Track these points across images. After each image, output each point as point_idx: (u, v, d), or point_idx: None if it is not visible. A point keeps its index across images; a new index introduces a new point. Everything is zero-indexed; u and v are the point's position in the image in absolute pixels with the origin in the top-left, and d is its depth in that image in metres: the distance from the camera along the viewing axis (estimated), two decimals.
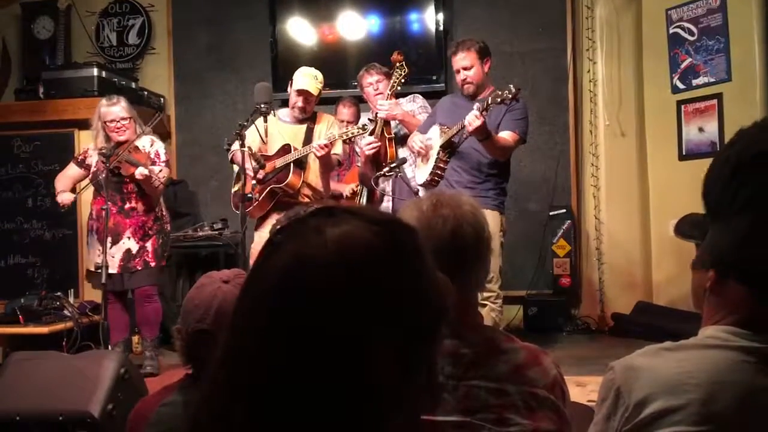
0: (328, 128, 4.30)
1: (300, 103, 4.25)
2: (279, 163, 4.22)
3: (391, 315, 0.70)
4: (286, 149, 4.23)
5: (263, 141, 4.21)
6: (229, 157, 4.46)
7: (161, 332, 4.39)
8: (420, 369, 0.73)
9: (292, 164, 4.17)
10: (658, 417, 1.08)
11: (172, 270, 5.15)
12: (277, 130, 4.30)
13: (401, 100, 4.43)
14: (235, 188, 4.46)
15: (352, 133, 4.12)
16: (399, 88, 4.27)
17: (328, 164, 4.23)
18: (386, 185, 4.37)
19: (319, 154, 4.04)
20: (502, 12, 5.58)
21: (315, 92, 4.24)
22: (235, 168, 4.34)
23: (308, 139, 4.24)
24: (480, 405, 1.31)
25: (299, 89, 4.22)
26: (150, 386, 3.22)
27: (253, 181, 4.20)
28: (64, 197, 4.37)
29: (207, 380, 0.73)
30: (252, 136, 4.14)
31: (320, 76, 4.28)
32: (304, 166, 4.24)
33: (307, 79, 4.23)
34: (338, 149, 4.27)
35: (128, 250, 4.23)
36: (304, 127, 4.31)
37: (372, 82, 4.41)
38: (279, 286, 0.70)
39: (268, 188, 4.19)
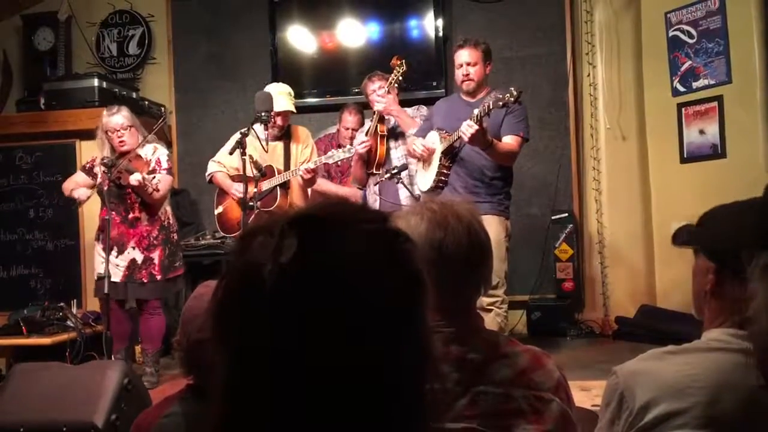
0: (304, 145, 4.43)
1: (280, 122, 4.36)
2: (264, 186, 4.27)
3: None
4: (271, 171, 4.29)
5: (264, 150, 4.24)
6: (208, 179, 4.53)
7: (163, 344, 4.38)
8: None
9: (278, 187, 4.24)
10: (662, 420, 1.08)
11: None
12: (251, 149, 4.32)
13: (408, 109, 4.46)
14: (218, 210, 4.53)
15: (339, 158, 4.16)
16: (396, 85, 4.31)
17: (310, 182, 4.33)
18: (373, 186, 4.40)
19: (306, 177, 4.17)
20: (501, 17, 5.59)
21: (294, 109, 4.40)
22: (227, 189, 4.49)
23: (287, 156, 4.33)
24: (486, 411, 1.30)
25: (280, 111, 4.29)
26: (151, 397, 3.22)
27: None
28: (81, 192, 4.36)
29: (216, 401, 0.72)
30: (252, 146, 4.16)
31: (291, 90, 4.43)
32: (287, 186, 4.34)
33: (284, 98, 4.32)
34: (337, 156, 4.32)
35: (133, 260, 4.22)
36: (281, 144, 4.41)
37: (375, 89, 4.45)
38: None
39: (256, 213, 4.18)
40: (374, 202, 4.39)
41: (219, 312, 0.72)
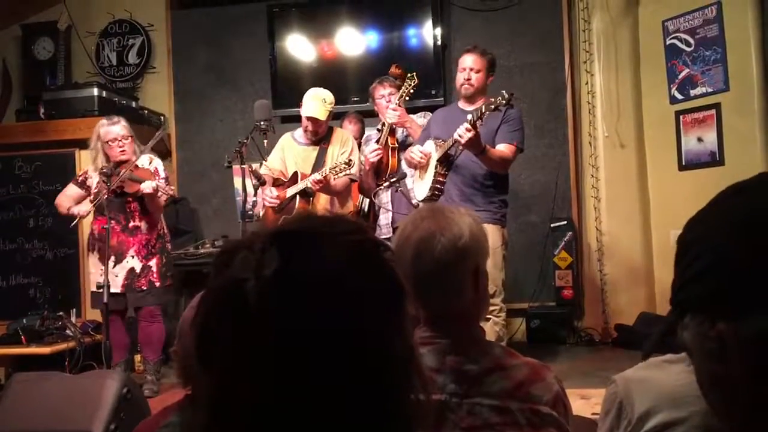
0: (340, 148, 4.33)
1: (310, 127, 4.30)
2: (288, 192, 4.27)
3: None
4: (295, 178, 4.29)
5: (264, 159, 4.26)
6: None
7: (164, 352, 4.37)
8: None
9: (297, 195, 4.23)
10: (661, 430, 1.07)
11: (174, 288, 5.13)
12: (290, 154, 4.36)
13: (413, 116, 4.46)
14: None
15: (340, 170, 4.09)
16: (408, 98, 4.30)
17: (330, 191, 4.27)
18: (385, 197, 4.39)
19: (315, 189, 4.12)
20: (499, 26, 5.61)
21: (323, 117, 4.25)
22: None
23: (320, 161, 4.27)
24: (482, 423, 1.30)
25: (307, 116, 4.26)
26: (151, 406, 3.21)
27: (268, 200, 4.29)
28: (81, 208, 4.31)
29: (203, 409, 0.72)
30: (276, 157, 4.34)
31: (330, 97, 4.29)
32: (311, 194, 4.26)
33: (314, 103, 4.24)
34: (353, 168, 4.25)
35: (132, 269, 4.22)
36: (317, 149, 4.35)
37: (384, 94, 4.43)
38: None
39: (281, 219, 4.22)
40: (385, 213, 4.39)
41: (202, 329, 0.72)
